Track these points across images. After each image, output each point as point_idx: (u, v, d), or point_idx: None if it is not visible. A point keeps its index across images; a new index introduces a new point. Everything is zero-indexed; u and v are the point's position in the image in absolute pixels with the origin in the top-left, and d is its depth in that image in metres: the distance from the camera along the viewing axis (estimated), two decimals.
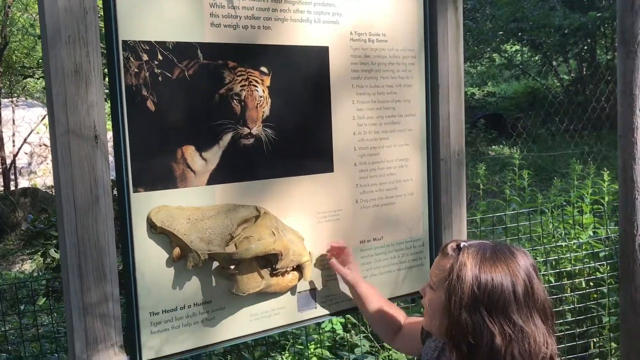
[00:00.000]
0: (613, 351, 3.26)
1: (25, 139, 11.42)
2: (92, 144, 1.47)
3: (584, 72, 13.81)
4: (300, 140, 1.81)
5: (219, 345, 1.73)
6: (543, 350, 1.29)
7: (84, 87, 1.45)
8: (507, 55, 16.17)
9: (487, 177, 6.00)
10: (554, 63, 14.62)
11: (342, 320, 3.58)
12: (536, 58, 15.38)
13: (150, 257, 1.59)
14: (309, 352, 3.36)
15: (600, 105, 6.48)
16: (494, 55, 16.36)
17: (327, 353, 3.39)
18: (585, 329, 3.36)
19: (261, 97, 1.72)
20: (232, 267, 1.66)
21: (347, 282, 1.85)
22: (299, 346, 3.49)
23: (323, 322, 3.49)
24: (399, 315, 1.83)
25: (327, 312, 1.92)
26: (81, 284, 1.48)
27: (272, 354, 3.45)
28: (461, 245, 1.40)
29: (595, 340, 3.38)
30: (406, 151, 2.04)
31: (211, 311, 1.70)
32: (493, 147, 11.87)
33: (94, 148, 1.48)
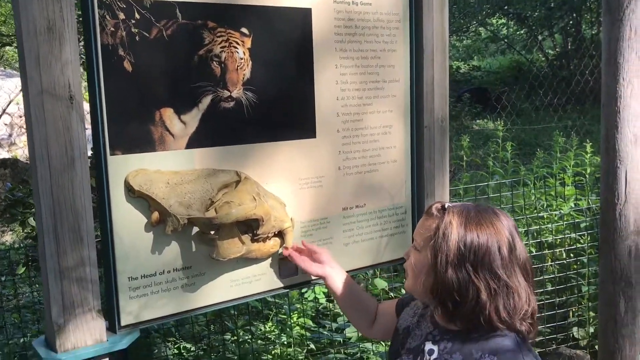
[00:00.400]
0: (591, 320, 3.30)
1: (4, 110, 11.20)
2: (67, 104, 1.43)
3: (569, 47, 13.81)
4: (282, 105, 1.78)
5: (199, 311, 1.71)
6: (525, 307, 1.33)
7: (58, 45, 1.40)
8: (492, 28, 16.12)
9: (471, 151, 6.00)
10: (539, 37, 14.60)
11: (325, 289, 3.60)
12: (522, 32, 15.35)
13: (128, 221, 1.56)
14: (292, 321, 3.37)
15: (584, 79, 6.50)
16: (480, 28, 16.30)
17: (310, 322, 3.40)
18: (564, 298, 3.40)
19: (242, 59, 1.68)
20: (213, 232, 1.64)
21: (317, 276, 1.83)
22: (282, 315, 3.50)
23: (306, 291, 3.51)
24: (372, 303, 1.82)
25: (308, 279, 1.91)
26: (57, 247, 1.45)
27: (255, 323, 3.46)
28: (446, 206, 1.40)
29: (574, 309, 3.42)
30: (390, 118, 2.02)
31: (191, 277, 1.68)
32: (477, 121, 11.88)
33: (69, 108, 1.43)
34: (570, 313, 3.43)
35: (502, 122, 5.24)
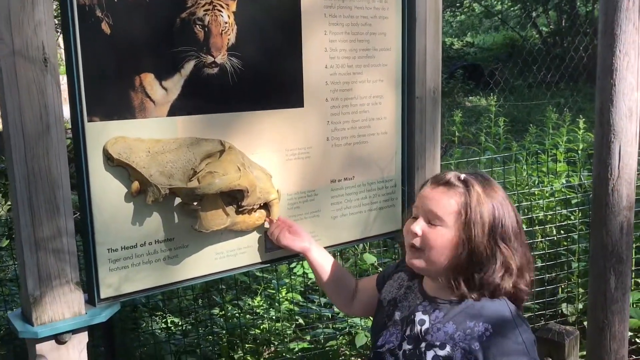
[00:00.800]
0: (580, 296, 3.30)
1: None
2: (41, 67, 1.36)
3: (563, 24, 13.71)
4: (268, 72, 1.71)
5: (182, 284, 1.67)
6: (531, 259, 1.44)
7: (30, 3, 1.32)
8: (486, 4, 15.96)
9: (463, 127, 5.95)
10: (534, 14, 14.48)
11: None
12: (516, 8, 15.21)
13: (107, 191, 1.51)
14: (281, 296, 3.34)
15: (578, 55, 6.43)
16: (474, 4, 16.14)
17: (299, 297, 3.37)
18: (554, 274, 3.38)
19: (226, 23, 1.61)
20: (195, 203, 1.58)
21: (297, 251, 1.78)
22: (271, 290, 3.47)
23: (295, 266, 3.47)
24: (352, 279, 1.78)
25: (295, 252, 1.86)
26: (32, 217, 1.40)
27: (244, 298, 3.43)
28: (462, 177, 1.41)
29: (563, 285, 3.41)
30: (380, 87, 1.96)
31: (174, 249, 1.63)
32: (470, 97, 11.82)
33: (43, 72, 1.37)
34: (560, 289, 3.42)
35: (494, 97, 5.18)
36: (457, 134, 4.88)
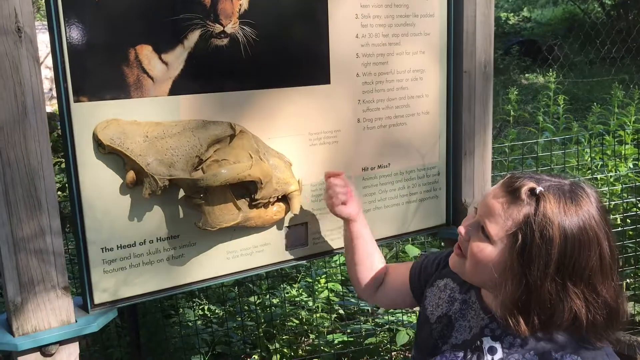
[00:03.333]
0: None
1: (42, 62, 11.16)
2: (13, 38, 1.16)
3: None
4: (287, 43, 1.47)
5: (189, 287, 1.46)
6: (625, 315, 1.10)
7: None
8: None
9: (519, 105, 5.57)
10: None
11: None
12: None
13: (99, 182, 1.31)
14: (320, 285, 3.14)
15: None
16: None
17: (339, 287, 3.17)
18: (620, 269, 3.05)
19: None
20: (200, 196, 1.37)
21: (342, 217, 1.50)
22: (308, 280, 3.28)
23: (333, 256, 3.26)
24: (383, 265, 1.51)
25: (321, 249, 1.64)
26: (9, 214, 1.21)
27: (282, 286, 3.25)
28: (537, 191, 1.07)
29: (629, 281, 3.08)
30: (422, 60, 1.69)
31: (179, 247, 1.42)
32: (526, 75, 11.26)
33: (17, 44, 1.17)
34: (625, 285, 3.09)
35: (553, 74, 4.79)
36: (512, 113, 4.52)
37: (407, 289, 1.41)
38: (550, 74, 4.58)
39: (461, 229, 1.18)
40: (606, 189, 3.24)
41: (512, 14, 17.21)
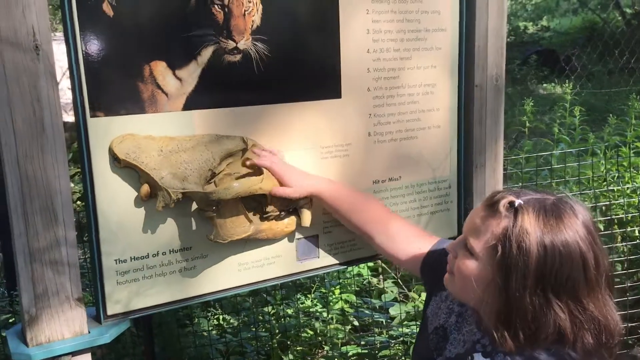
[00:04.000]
0: None
1: (63, 73, 11.34)
2: (31, 55, 1.19)
3: None
4: (299, 58, 1.49)
5: (202, 299, 1.48)
6: (617, 331, 1.08)
7: None
8: None
9: (535, 116, 5.54)
10: None
11: (370, 264, 3.35)
12: None
13: (114, 195, 1.34)
14: (334, 296, 3.15)
15: None
16: None
17: (353, 298, 3.17)
18: (637, 282, 3.02)
19: (250, 2, 1.40)
20: (214, 208, 1.39)
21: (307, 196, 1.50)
22: (322, 290, 3.29)
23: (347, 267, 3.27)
24: (383, 212, 1.53)
25: (333, 262, 1.65)
26: (26, 226, 1.24)
27: (295, 296, 3.27)
28: (516, 204, 1.08)
29: None
30: (433, 74, 1.70)
31: (191, 259, 1.45)
32: (544, 85, 11.18)
33: (35, 61, 1.20)
34: None
35: (570, 84, 4.75)
36: (527, 124, 4.50)
37: (417, 264, 1.43)
38: (567, 85, 4.55)
39: (449, 248, 1.20)
40: (623, 200, 3.21)
41: (531, 23, 17.13)
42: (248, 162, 1.41)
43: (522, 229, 1.05)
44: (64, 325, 1.30)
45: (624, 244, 3.09)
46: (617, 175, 3.42)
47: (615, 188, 3.31)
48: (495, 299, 1.07)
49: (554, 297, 1.04)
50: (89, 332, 1.33)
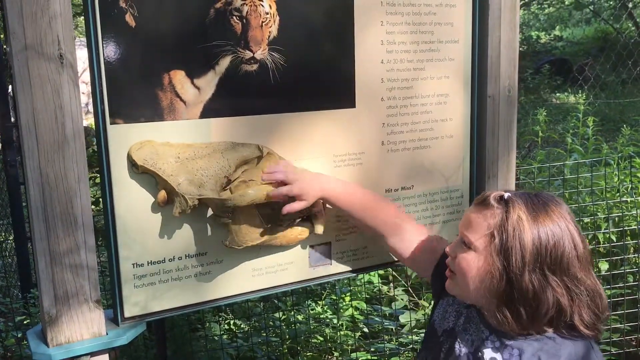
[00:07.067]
0: None
1: (78, 78, 11.42)
2: (56, 64, 1.23)
3: None
4: (314, 68, 1.52)
5: (216, 303, 1.51)
6: (606, 304, 1.20)
7: None
8: None
9: (548, 126, 5.54)
10: (630, 4, 13.49)
11: (380, 271, 3.36)
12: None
13: (132, 200, 1.37)
14: (344, 303, 3.17)
15: None
16: None
17: (364, 305, 3.19)
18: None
19: (267, 13, 1.43)
20: (229, 215, 1.42)
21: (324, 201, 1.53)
22: (334, 297, 3.31)
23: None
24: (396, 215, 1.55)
25: (345, 269, 1.67)
26: (47, 230, 1.27)
27: (307, 303, 3.29)
28: (505, 196, 1.21)
29: None
30: (446, 85, 1.72)
31: (206, 264, 1.47)
32: (557, 94, 11.15)
33: (59, 69, 1.24)
34: None
35: (584, 94, 4.75)
36: (540, 134, 4.50)
37: (430, 266, 1.47)
38: (581, 94, 4.55)
39: (447, 249, 1.30)
40: (636, 212, 3.20)
41: (543, 33, 17.09)
42: (265, 177, 1.43)
43: (516, 216, 1.17)
44: (83, 327, 1.33)
45: (636, 255, 3.08)
46: (630, 186, 3.41)
47: (628, 199, 3.30)
48: (497, 283, 1.17)
49: (551, 274, 1.15)
50: (107, 334, 1.36)
